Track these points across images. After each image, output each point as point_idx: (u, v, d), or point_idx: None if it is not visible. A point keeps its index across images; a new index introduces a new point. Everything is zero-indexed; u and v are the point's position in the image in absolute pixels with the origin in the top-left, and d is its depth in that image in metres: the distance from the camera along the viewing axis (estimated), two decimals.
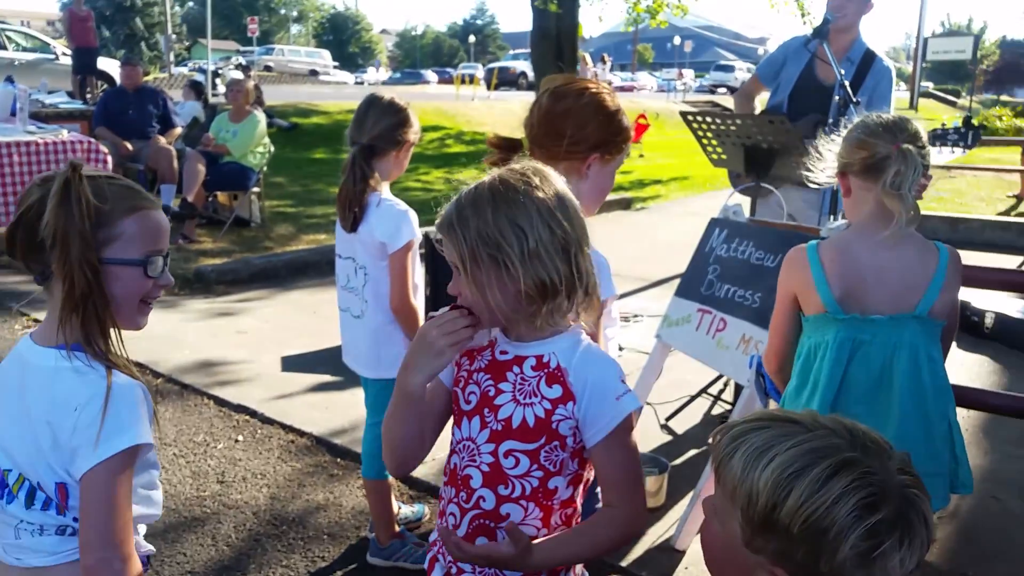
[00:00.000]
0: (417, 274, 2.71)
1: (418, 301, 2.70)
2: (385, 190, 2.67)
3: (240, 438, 3.77)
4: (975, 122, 3.69)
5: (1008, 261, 7.35)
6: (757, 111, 4.23)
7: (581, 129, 1.91)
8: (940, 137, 3.65)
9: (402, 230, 2.59)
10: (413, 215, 2.65)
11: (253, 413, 3.98)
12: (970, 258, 8.03)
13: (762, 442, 0.98)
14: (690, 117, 3.96)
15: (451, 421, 1.52)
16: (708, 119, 3.86)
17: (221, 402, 4.13)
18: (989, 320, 4.97)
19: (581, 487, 1.48)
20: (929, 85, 38.07)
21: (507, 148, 2.16)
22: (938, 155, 3.72)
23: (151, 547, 1.59)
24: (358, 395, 4.21)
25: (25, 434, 1.40)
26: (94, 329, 1.41)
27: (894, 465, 0.97)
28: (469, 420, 1.46)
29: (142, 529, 1.55)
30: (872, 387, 1.98)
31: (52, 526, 1.42)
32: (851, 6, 3.73)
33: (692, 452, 3.61)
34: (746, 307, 3.11)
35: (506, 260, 1.34)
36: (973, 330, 5.04)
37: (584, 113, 1.92)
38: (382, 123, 2.64)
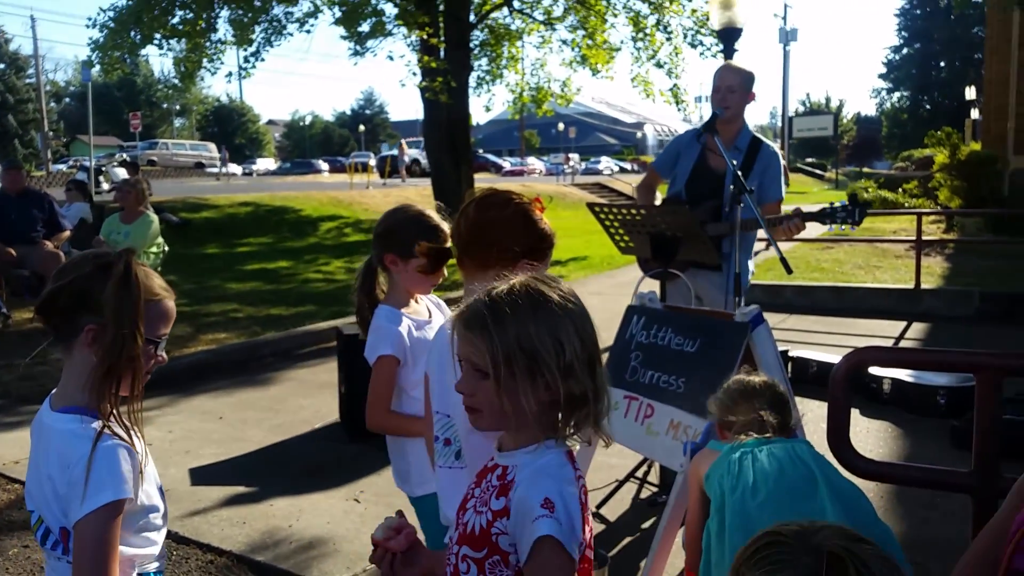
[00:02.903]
0: (405, 379, 2.44)
1: (409, 402, 2.45)
2: (394, 303, 2.48)
3: None
4: (858, 198, 3.97)
5: (892, 327, 7.80)
6: (658, 200, 4.43)
7: (510, 237, 1.96)
8: (829, 215, 3.90)
9: (378, 344, 2.41)
10: (402, 329, 2.42)
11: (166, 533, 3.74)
12: (858, 325, 8.34)
13: None
14: (597, 209, 4.09)
15: None
16: (615, 210, 4.00)
17: None
18: (887, 386, 5.23)
19: None
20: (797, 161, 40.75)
21: (438, 257, 2.19)
22: (828, 230, 4.01)
23: None
24: (276, 506, 4.05)
25: (38, 485, 1.63)
26: (109, 394, 1.58)
27: None
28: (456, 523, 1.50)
29: (146, 567, 1.70)
30: (787, 478, 2.02)
31: (64, 559, 1.62)
32: (735, 97, 4.01)
33: (627, 540, 3.60)
34: (671, 392, 3.18)
35: (545, 371, 1.33)
36: (873, 396, 5.30)
37: (512, 222, 1.98)
38: (397, 231, 2.45)
